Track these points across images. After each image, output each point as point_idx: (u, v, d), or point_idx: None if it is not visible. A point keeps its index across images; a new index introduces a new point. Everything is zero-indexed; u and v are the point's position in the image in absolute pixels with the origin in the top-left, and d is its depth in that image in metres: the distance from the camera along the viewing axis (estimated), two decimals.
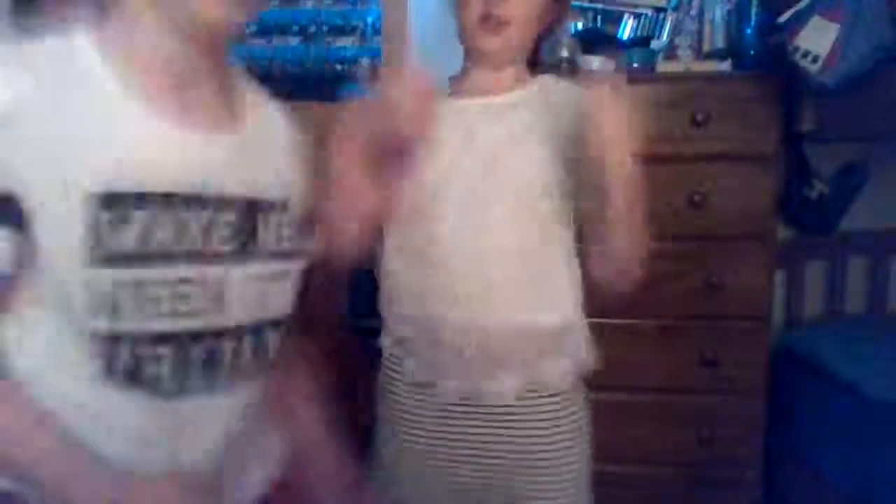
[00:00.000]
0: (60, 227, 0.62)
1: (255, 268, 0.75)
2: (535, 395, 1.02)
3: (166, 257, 0.66)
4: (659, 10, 2.00)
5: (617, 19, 2.04)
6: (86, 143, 0.63)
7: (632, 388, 1.81)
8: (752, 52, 1.77)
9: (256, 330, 0.76)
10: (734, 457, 1.78)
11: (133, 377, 0.67)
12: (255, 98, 0.84)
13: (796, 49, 1.58)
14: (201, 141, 0.71)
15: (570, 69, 1.84)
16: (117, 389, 0.67)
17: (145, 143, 0.66)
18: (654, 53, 1.87)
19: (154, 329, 0.66)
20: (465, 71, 1.05)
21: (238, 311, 0.73)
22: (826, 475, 1.72)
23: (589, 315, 1.77)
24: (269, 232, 0.76)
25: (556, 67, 1.85)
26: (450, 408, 1.01)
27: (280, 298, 0.80)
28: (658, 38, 1.95)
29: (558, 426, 1.04)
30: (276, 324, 0.80)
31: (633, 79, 1.78)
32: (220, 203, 0.70)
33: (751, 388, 1.77)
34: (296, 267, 0.82)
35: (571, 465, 1.06)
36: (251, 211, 0.74)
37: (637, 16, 2.02)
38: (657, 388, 1.81)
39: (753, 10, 1.77)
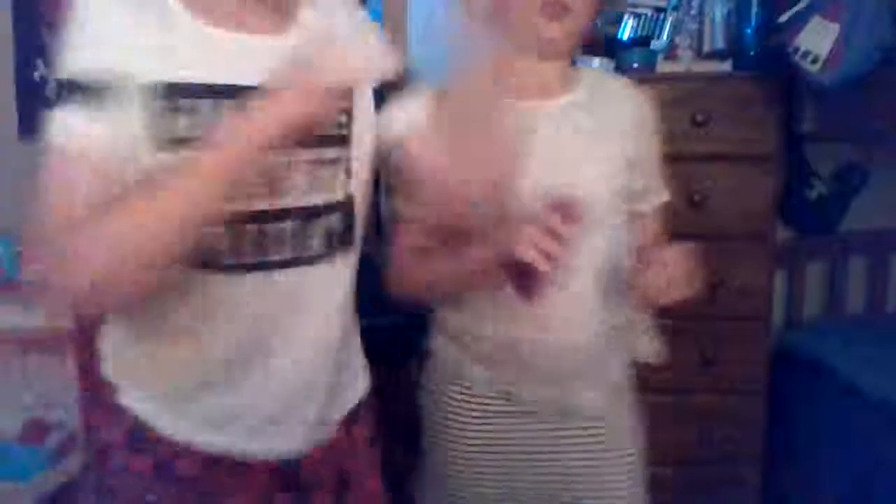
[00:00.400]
0: (125, 117, 0.67)
1: (306, 154, 0.75)
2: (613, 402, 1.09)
3: None
4: (659, 10, 2.00)
5: (617, 19, 2.03)
6: (147, 45, 0.69)
7: (631, 388, 1.81)
8: (752, 53, 1.77)
9: (316, 213, 0.78)
10: (734, 456, 1.79)
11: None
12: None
13: (796, 49, 1.58)
14: (256, 43, 0.74)
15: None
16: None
17: (198, 44, 0.71)
18: (654, 54, 1.86)
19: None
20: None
21: (295, 194, 0.76)
22: (825, 475, 1.72)
23: None
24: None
25: None
26: (520, 415, 1.04)
27: (336, 182, 0.80)
28: (658, 38, 1.94)
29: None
30: (336, 207, 0.80)
31: (633, 79, 1.79)
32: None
33: (750, 387, 1.77)
34: (348, 154, 0.80)
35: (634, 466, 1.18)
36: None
37: (637, 16, 2.01)
38: (657, 388, 1.81)
39: (754, 11, 1.77)
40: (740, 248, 1.75)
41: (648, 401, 1.82)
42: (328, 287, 0.83)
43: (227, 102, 0.70)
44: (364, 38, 0.85)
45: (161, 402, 0.80)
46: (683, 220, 1.74)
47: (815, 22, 1.57)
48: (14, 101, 1.75)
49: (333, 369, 0.86)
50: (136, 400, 0.80)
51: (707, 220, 1.74)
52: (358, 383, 0.93)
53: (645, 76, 1.81)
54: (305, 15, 0.78)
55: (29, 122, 1.80)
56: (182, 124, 0.69)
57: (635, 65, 1.84)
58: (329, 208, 0.79)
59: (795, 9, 1.60)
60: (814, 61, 1.56)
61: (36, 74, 1.83)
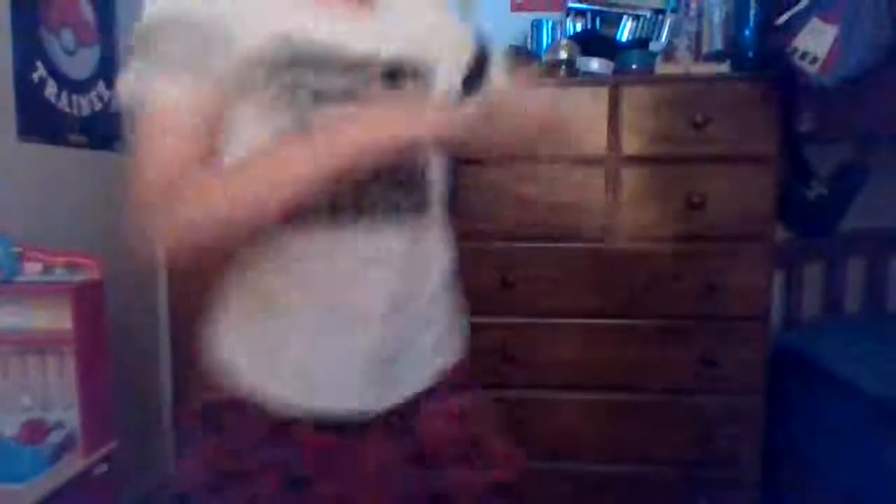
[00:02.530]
0: (209, 70, 0.71)
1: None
2: None
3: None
4: (658, 11, 2.01)
5: (616, 21, 2.04)
6: (255, 18, 0.73)
7: (631, 388, 1.82)
8: (750, 54, 1.77)
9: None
10: (733, 456, 1.79)
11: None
12: None
13: (795, 50, 1.59)
14: (352, 13, 0.78)
15: (569, 71, 1.85)
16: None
17: (303, 15, 0.75)
18: (653, 55, 1.87)
19: None
20: None
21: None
22: (825, 474, 1.73)
23: (588, 316, 1.80)
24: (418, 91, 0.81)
25: (554, 69, 1.86)
26: None
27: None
28: (657, 39, 1.95)
29: None
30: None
31: (632, 80, 1.79)
32: (365, 67, 0.76)
33: (749, 387, 1.78)
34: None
35: None
36: (397, 76, 0.79)
37: (636, 18, 2.02)
38: (657, 388, 1.81)
39: (752, 12, 1.78)
40: (739, 249, 1.76)
41: (648, 401, 1.83)
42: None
43: (311, 68, 0.73)
44: (443, 19, 0.89)
45: (271, 369, 0.83)
46: (683, 221, 1.76)
47: (814, 23, 1.58)
48: (14, 102, 1.75)
49: (433, 324, 0.88)
50: (249, 374, 0.84)
51: (706, 221, 1.75)
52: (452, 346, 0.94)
53: (644, 78, 1.82)
54: None
55: (29, 122, 1.80)
56: (265, 80, 0.72)
57: (634, 66, 1.85)
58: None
59: (794, 10, 1.61)
60: (812, 62, 1.57)
61: (35, 75, 1.83)
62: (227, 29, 0.71)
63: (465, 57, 0.78)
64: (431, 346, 0.89)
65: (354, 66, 0.76)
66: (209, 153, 0.73)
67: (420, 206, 0.84)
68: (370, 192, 0.78)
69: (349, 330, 0.81)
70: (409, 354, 0.86)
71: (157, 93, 0.70)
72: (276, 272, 0.81)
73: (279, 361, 0.83)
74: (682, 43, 1.91)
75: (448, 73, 0.82)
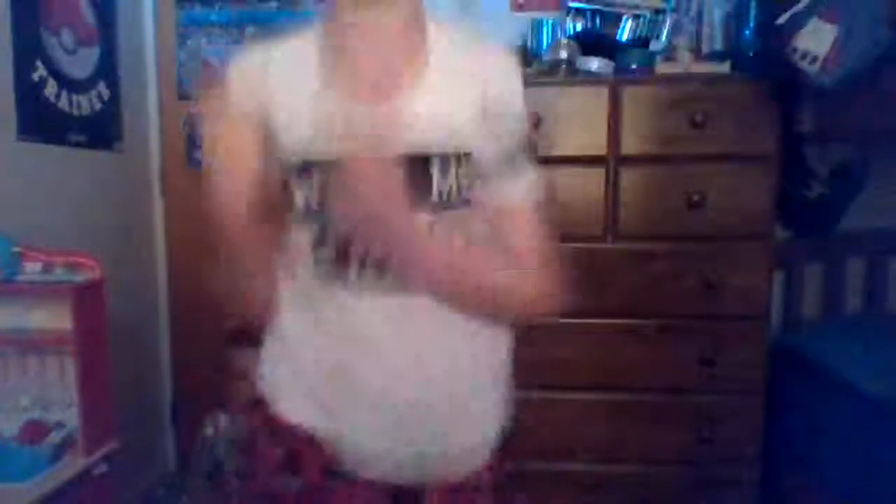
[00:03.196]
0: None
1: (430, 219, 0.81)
2: None
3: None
4: (658, 11, 2.01)
5: (616, 21, 2.04)
6: (289, 123, 0.81)
7: (631, 388, 1.82)
8: (750, 54, 1.77)
9: None
10: (733, 456, 1.79)
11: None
12: (449, 50, 0.85)
13: (795, 50, 1.59)
14: (380, 107, 0.80)
15: (569, 71, 1.85)
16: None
17: (329, 118, 0.80)
18: (652, 55, 1.87)
19: None
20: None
21: None
22: (824, 473, 1.73)
23: (588, 316, 1.80)
24: (446, 183, 0.81)
25: (554, 69, 1.86)
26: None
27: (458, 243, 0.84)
28: (657, 39, 1.95)
29: None
30: None
31: (632, 80, 1.79)
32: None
33: (749, 387, 1.78)
34: (469, 217, 0.84)
35: None
36: (421, 164, 0.80)
37: (636, 17, 2.03)
38: (657, 388, 1.81)
39: (752, 12, 1.78)
40: (739, 249, 1.76)
41: (648, 401, 1.83)
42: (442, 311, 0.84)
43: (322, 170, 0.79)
44: (494, 92, 0.84)
45: (309, 410, 0.86)
46: (682, 221, 1.76)
47: (814, 23, 1.58)
48: (14, 101, 1.75)
49: (457, 402, 0.86)
50: (291, 412, 0.87)
51: (706, 221, 1.75)
52: (487, 430, 0.90)
53: (644, 78, 1.82)
54: (434, 67, 0.83)
55: (29, 122, 1.80)
56: (309, 195, 0.80)
57: (634, 66, 1.85)
58: None
59: (794, 10, 1.61)
60: (812, 62, 1.57)
61: (35, 74, 1.83)
62: (267, 126, 0.81)
63: (507, 138, 0.83)
64: (454, 421, 0.87)
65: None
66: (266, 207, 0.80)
67: None
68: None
69: (373, 385, 0.83)
70: (432, 423, 0.85)
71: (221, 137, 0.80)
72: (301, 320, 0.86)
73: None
74: (683, 42, 1.91)
75: (480, 153, 0.82)
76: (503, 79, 0.84)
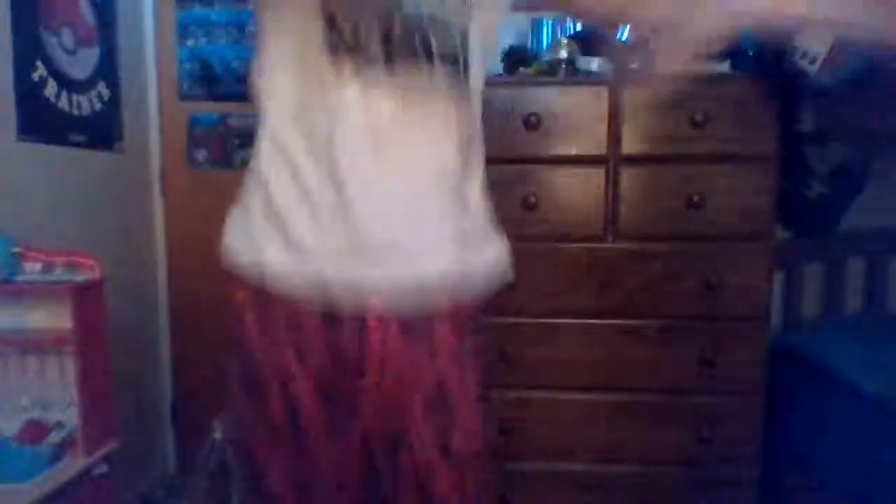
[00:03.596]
0: None
1: None
2: None
3: None
4: None
5: None
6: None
7: (631, 388, 1.82)
8: (750, 53, 1.77)
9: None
10: (733, 456, 1.79)
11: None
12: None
13: (795, 50, 1.59)
14: None
15: (569, 71, 1.85)
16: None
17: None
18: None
19: None
20: None
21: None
22: (824, 473, 1.73)
23: (588, 316, 1.80)
24: None
25: (555, 69, 1.86)
26: None
27: None
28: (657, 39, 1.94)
29: None
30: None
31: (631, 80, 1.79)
32: None
33: (750, 387, 1.78)
34: None
35: None
36: None
37: None
38: (656, 388, 1.81)
39: None
40: (739, 249, 1.76)
41: (648, 401, 1.83)
42: (445, 114, 0.82)
43: None
44: None
45: (279, 243, 0.82)
46: (682, 221, 1.75)
47: None
48: (14, 101, 1.75)
49: (450, 211, 0.85)
50: (256, 252, 0.83)
51: (706, 221, 1.75)
52: (483, 255, 0.92)
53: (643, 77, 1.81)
54: None
55: (29, 122, 1.80)
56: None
57: (634, 66, 1.84)
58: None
59: None
60: (812, 62, 1.57)
61: (35, 74, 1.83)
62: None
63: None
64: (450, 237, 0.85)
65: None
66: None
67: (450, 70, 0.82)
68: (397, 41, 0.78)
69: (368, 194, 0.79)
70: (420, 234, 0.83)
71: None
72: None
73: (281, 230, 0.82)
74: None
75: None
76: None
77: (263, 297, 0.82)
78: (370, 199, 0.79)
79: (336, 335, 0.82)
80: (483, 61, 0.89)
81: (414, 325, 0.84)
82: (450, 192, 0.85)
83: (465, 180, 0.89)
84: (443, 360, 0.87)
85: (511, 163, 1.76)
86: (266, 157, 0.84)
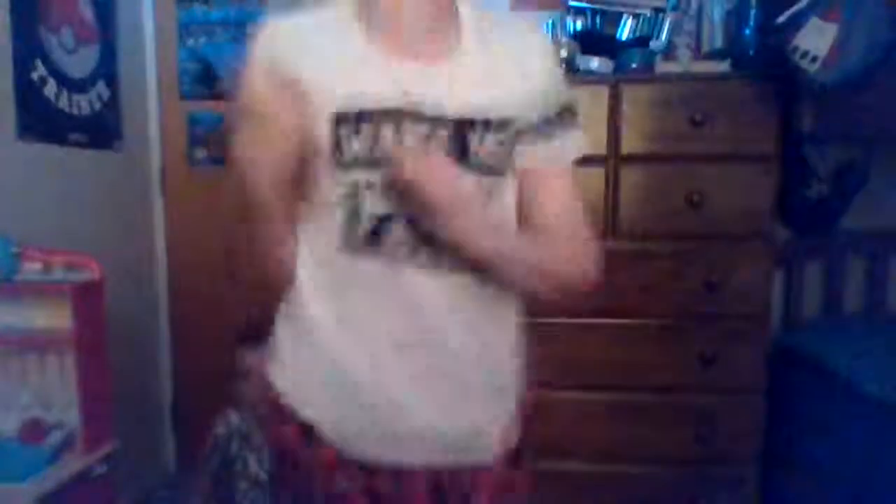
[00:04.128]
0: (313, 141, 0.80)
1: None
2: None
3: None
4: (658, 10, 2.00)
5: (616, 20, 2.04)
6: (333, 79, 0.80)
7: (631, 388, 1.82)
8: (750, 53, 1.77)
9: None
10: (733, 456, 1.79)
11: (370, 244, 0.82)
12: (482, 27, 0.87)
13: (795, 49, 1.59)
14: (422, 69, 0.82)
15: (569, 70, 1.85)
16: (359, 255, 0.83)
17: (375, 74, 0.81)
18: (652, 54, 1.87)
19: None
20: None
21: None
22: (825, 474, 1.73)
23: (587, 315, 1.80)
24: (483, 147, 0.82)
25: None
26: None
27: (494, 208, 0.86)
28: (657, 38, 1.95)
29: None
30: None
31: (632, 79, 1.79)
32: (437, 121, 0.81)
33: (750, 387, 1.78)
34: (504, 183, 0.86)
35: None
36: (463, 128, 0.82)
37: (636, 16, 2.02)
38: (656, 388, 1.81)
39: (752, 11, 1.78)
40: (739, 248, 1.76)
41: (648, 401, 1.83)
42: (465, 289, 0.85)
43: (397, 123, 0.79)
44: (529, 63, 0.87)
45: (320, 407, 0.86)
46: (682, 220, 1.75)
47: (814, 22, 1.57)
48: (14, 101, 1.75)
49: (483, 382, 0.92)
50: (301, 405, 0.87)
51: (706, 220, 1.75)
52: (510, 412, 0.99)
53: (644, 77, 1.82)
54: (468, 40, 0.85)
55: (28, 122, 1.80)
56: (357, 146, 0.79)
57: (634, 65, 1.84)
58: None
59: (794, 9, 1.61)
60: (812, 61, 1.57)
61: (35, 74, 1.83)
62: (305, 86, 0.78)
63: (548, 109, 0.85)
64: (484, 405, 0.94)
65: (421, 123, 0.80)
66: (289, 200, 0.83)
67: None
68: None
69: (390, 357, 0.83)
70: (462, 404, 0.89)
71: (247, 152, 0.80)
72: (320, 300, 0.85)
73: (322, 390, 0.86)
74: (683, 42, 1.90)
75: (526, 124, 0.85)
76: (540, 49, 0.89)
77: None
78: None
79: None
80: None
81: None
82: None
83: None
84: None
85: None
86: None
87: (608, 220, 1.78)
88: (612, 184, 1.77)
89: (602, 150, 1.76)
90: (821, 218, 2.05)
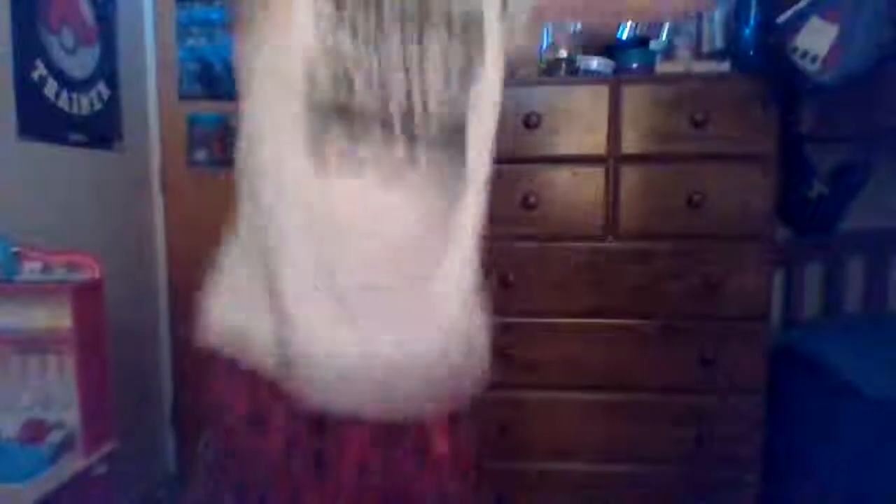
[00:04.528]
0: None
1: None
2: None
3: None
4: None
5: None
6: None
7: (631, 388, 1.82)
8: (750, 53, 1.77)
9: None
10: (733, 457, 1.79)
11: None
12: None
13: (795, 49, 1.59)
14: None
15: (569, 70, 1.85)
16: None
17: None
18: (653, 54, 1.87)
19: None
20: None
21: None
22: (825, 474, 1.73)
23: (587, 315, 1.80)
24: None
25: (554, 68, 1.86)
26: None
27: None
28: (657, 38, 1.95)
29: None
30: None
31: (632, 79, 1.79)
32: None
33: (750, 387, 1.77)
34: None
35: None
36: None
37: None
38: (656, 388, 1.81)
39: (752, 11, 1.78)
40: (739, 248, 1.75)
41: (648, 401, 1.83)
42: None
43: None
44: None
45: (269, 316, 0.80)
46: (682, 221, 1.75)
47: (814, 22, 1.57)
48: (14, 100, 1.75)
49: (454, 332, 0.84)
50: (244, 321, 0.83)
51: (706, 220, 1.74)
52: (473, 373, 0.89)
53: (644, 77, 1.82)
54: None
55: (29, 121, 1.80)
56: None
57: (634, 65, 1.84)
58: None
59: (794, 9, 1.61)
60: (812, 61, 1.57)
61: (35, 73, 1.83)
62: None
63: None
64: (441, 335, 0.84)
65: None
66: None
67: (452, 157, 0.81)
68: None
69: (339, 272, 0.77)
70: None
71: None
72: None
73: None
74: (683, 42, 1.90)
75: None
76: None
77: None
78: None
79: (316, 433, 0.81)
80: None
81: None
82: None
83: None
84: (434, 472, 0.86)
85: (511, 162, 1.76)
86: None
87: (608, 219, 1.78)
88: (612, 184, 1.77)
89: (602, 150, 1.76)
90: (821, 218, 2.05)
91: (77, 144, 2.03)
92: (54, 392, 1.58)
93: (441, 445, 0.86)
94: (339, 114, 0.74)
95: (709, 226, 1.75)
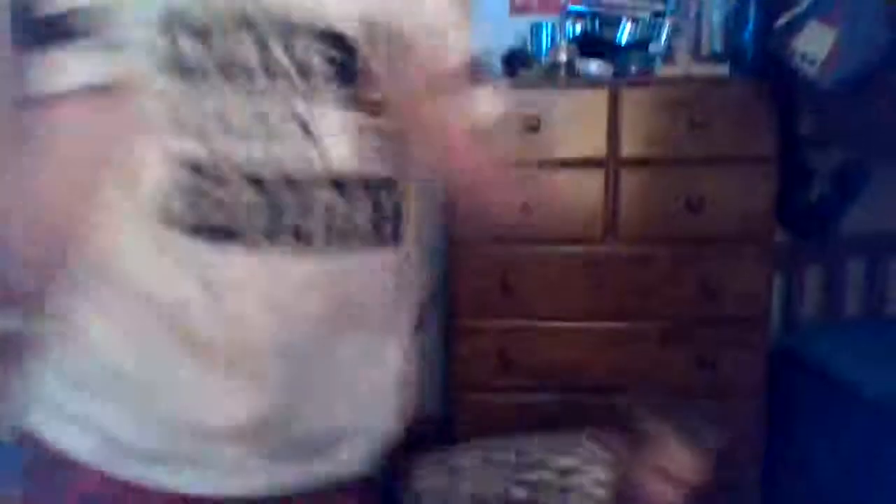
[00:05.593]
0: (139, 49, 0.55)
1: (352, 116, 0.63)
2: None
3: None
4: (657, 13, 2.00)
5: (615, 23, 2.04)
6: None
7: (630, 392, 1.81)
8: (750, 56, 1.77)
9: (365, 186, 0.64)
10: (732, 459, 1.78)
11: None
12: None
13: (794, 52, 1.59)
14: None
15: (569, 73, 1.86)
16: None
17: None
18: (652, 57, 1.87)
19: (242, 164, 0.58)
20: None
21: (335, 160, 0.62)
22: (824, 476, 1.72)
23: (586, 319, 1.80)
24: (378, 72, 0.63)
25: (554, 72, 1.86)
26: None
27: (387, 156, 0.66)
28: (656, 41, 1.95)
29: None
30: (389, 184, 0.67)
31: (631, 82, 1.80)
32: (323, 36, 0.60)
33: (749, 390, 1.77)
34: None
35: None
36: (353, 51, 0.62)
37: (635, 20, 2.02)
38: (656, 392, 1.81)
39: (751, 14, 1.78)
40: (739, 251, 1.76)
41: (647, 404, 1.83)
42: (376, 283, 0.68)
43: (238, 30, 0.56)
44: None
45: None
46: (682, 223, 1.76)
47: (813, 25, 1.58)
48: None
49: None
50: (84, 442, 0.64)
51: (705, 223, 1.75)
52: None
53: (643, 80, 1.82)
54: None
55: None
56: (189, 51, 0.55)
57: (634, 68, 1.85)
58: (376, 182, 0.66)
59: (793, 12, 1.61)
60: (812, 64, 1.57)
61: None
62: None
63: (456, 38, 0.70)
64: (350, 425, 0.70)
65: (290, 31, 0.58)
66: None
67: (383, 235, 0.67)
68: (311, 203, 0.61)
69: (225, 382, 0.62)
70: (311, 429, 0.67)
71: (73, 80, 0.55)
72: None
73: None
74: (682, 45, 1.91)
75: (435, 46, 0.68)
76: None
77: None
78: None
79: None
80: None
81: None
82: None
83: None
84: None
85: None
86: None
87: (607, 223, 1.78)
88: (612, 187, 1.77)
89: (601, 153, 1.76)
90: (820, 221, 2.05)
91: None
92: None
93: None
94: None
95: (708, 229, 1.75)
